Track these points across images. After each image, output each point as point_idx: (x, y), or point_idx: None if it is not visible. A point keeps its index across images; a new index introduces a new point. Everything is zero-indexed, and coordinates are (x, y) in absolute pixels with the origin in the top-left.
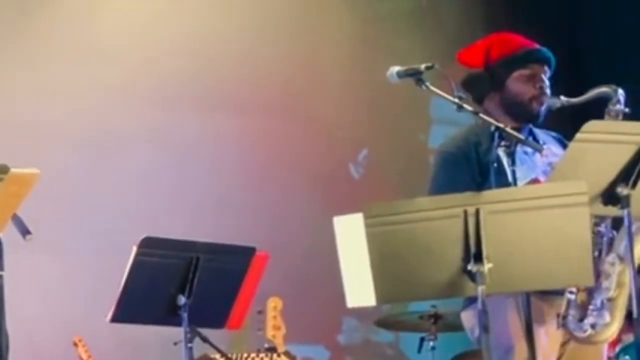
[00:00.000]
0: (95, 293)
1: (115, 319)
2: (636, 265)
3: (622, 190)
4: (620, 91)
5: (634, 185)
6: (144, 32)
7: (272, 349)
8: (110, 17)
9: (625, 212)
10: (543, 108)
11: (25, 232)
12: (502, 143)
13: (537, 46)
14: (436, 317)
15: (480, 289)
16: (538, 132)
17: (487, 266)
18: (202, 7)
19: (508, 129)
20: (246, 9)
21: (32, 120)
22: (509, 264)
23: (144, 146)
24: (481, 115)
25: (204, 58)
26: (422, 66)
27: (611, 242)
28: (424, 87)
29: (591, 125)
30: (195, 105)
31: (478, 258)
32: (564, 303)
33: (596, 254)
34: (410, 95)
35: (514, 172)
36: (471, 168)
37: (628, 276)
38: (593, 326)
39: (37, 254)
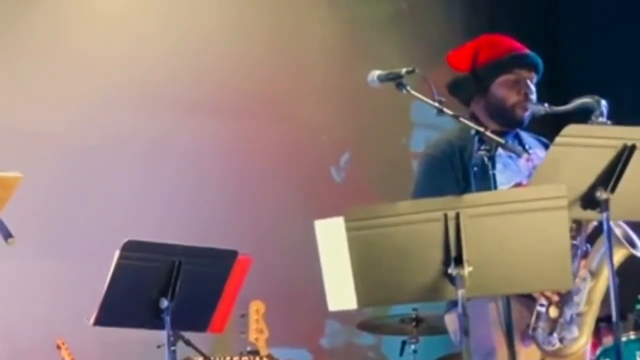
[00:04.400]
0: (78, 296)
1: (98, 322)
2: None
3: (601, 194)
4: (603, 102)
5: (612, 190)
6: (119, 34)
7: (255, 353)
8: (85, 19)
9: (604, 215)
10: (527, 114)
11: (7, 235)
12: (483, 147)
13: (525, 51)
14: (417, 321)
15: (460, 292)
16: (525, 136)
17: (467, 269)
18: (181, 8)
19: (488, 133)
20: (227, 10)
21: (13, 125)
22: (488, 267)
23: (123, 149)
24: (461, 119)
25: (183, 60)
26: (403, 70)
27: (585, 256)
28: (404, 91)
29: (571, 129)
30: (175, 107)
31: (458, 261)
32: (533, 315)
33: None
34: (392, 99)
35: (494, 176)
36: (455, 173)
37: (598, 293)
38: (561, 340)
39: (20, 257)
